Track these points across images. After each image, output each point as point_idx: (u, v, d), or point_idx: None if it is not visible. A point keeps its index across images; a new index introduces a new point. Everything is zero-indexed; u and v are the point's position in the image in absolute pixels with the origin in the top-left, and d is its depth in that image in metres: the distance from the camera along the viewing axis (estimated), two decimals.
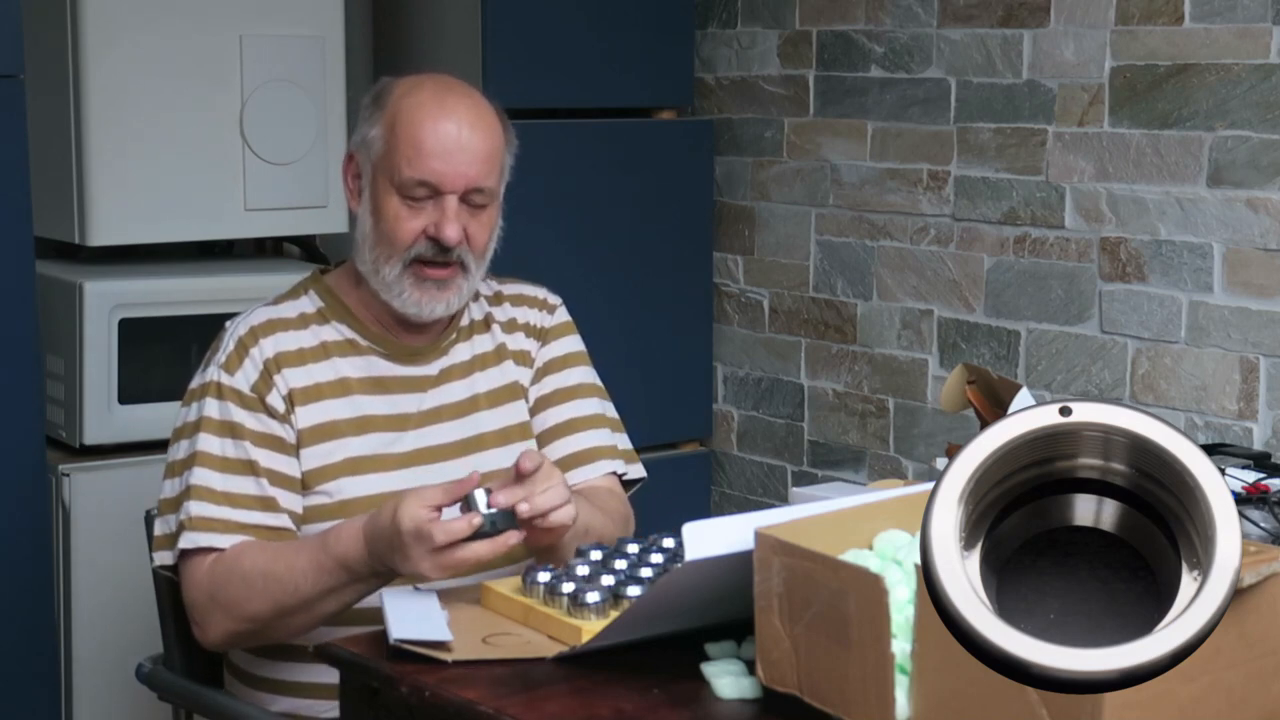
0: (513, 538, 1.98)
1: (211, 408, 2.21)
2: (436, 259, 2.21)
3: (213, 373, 2.23)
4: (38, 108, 2.91)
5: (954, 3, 3.46)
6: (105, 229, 3.10)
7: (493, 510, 1.97)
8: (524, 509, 1.98)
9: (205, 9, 3.16)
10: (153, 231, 3.18)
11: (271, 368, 2.22)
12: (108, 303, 3.06)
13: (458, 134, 2.20)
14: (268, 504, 2.18)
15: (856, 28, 3.65)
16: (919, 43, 3.53)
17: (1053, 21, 3.30)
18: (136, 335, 3.10)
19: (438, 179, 2.19)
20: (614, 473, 2.38)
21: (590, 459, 2.36)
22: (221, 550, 2.15)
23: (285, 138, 3.24)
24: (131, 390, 3.09)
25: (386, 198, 2.21)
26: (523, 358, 2.38)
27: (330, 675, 1.98)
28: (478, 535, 1.95)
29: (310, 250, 3.53)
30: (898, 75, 3.58)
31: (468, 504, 1.97)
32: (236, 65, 3.19)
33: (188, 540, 2.16)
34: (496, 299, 2.40)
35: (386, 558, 2.01)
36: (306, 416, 2.22)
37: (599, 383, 2.43)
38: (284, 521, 2.19)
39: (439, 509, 1.97)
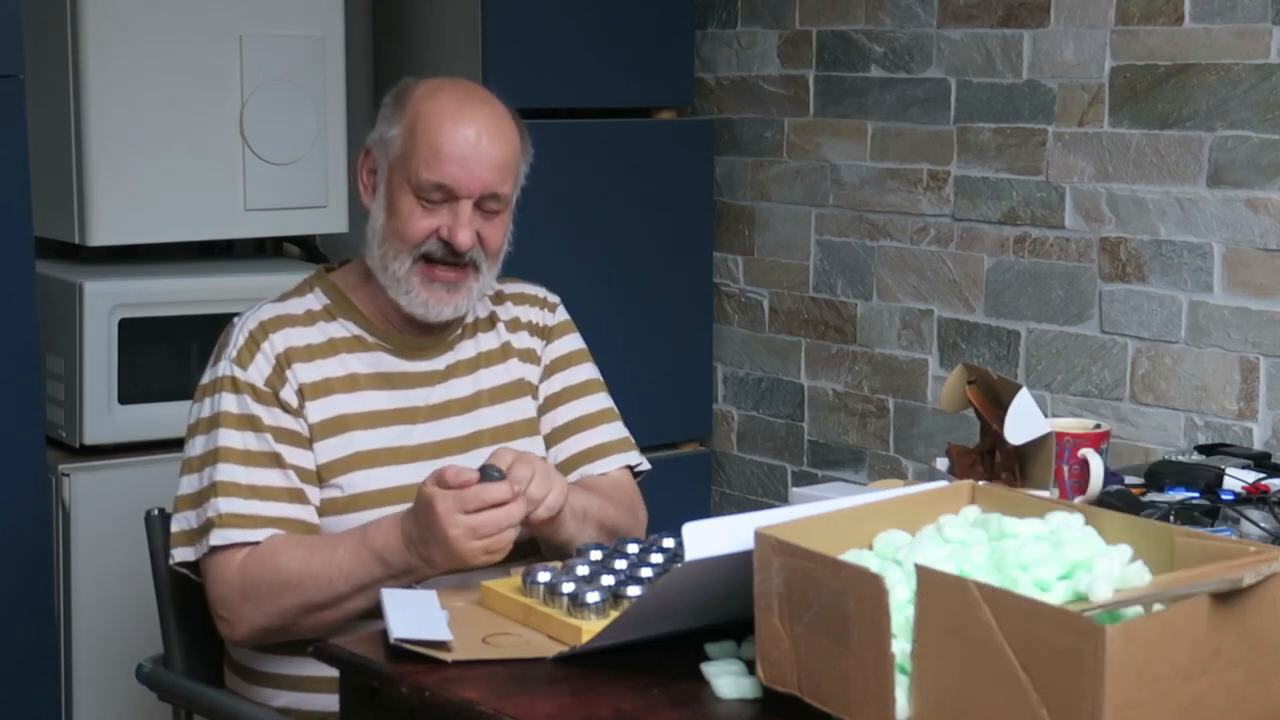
0: (518, 486, 2.04)
1: (229, 402, 2.21)
2: (446, 259, 2.23)
3: (225, 367, 2.23)
4: (38, 108, 2.91)
5: (954, 3, 3.46)
6: (105, 229, 3.10)
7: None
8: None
9: (205, 9, 3.16)
10: (153, 231, 3.18)
11: (283, 362, 2.23)
12: (108, 303, 3.06)
13: (476, 140, 2.22)
14: (295, 495, 2.19)
15: (856, 28, 3.65)
16: (919, 43, 3.53)
17: (1053, 21, 3.30)
18: (136, 335, 3.10)
19: (454, 183, 2.21)
20: (627, 466, 2.41)
21: (605, 453, 2.40)
22: (254, 544, 2.15)
23: (285, 138, 3.24)
24: (131, 390, 3.09)
25: (402, 196, 2.23)
26: (529, 355, 2.40)
27: (331, 669, 1.98)
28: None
29: (310, 250, 3.53)
30: (898, 75, 3.58)
31: (485, 476, 2.04)
32: (236, 65, 3.19)
33: (219, 537, 2.15)
34: (499, 298, 2.42)
35: (421, 544, 2.04)
36: (317, 411, 2.23)
37: (600, 377, 2.47)
38: (311, 515, 2.20)
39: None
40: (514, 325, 2.41)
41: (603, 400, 2.44)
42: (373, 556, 2.09)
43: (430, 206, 2.22)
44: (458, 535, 2.01)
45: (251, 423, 2.20)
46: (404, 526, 2.08)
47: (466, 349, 2.36)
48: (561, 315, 2.46)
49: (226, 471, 2.18)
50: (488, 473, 2.03)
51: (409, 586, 2.07)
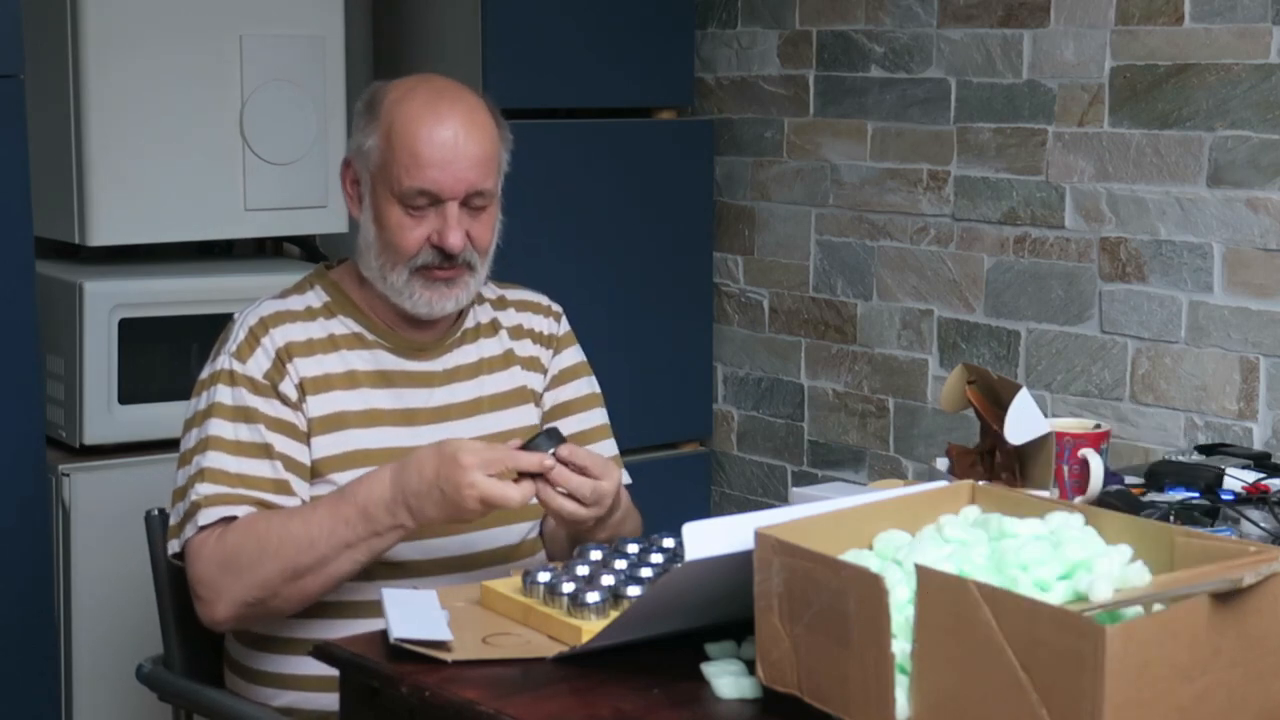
0: (547, 459, 2.05)
1: (223, 394, 2.21)
2: (442, 264, 2.23)
3: (224, 361, 2.24)
4: (38, 108, 2.91)
5: (954, 3, 3.46)
6: (105, 229, 3.10)
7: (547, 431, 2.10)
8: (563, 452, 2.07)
9: (205, 9, 3.16)
10: (153, 231, 3.18)
11: (283, 356, 2.23)
12: (108, 303, 3.06)
13: (454, 140, 2.21)
14: (280, 487, 2.18)
15: (856, 28, 3.65)
16: (919, 43, 3.53)
17: (1053, 21, 3.30)
18: (136, 335, 3.10)
19: (438, 188, 2.20)
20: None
21: None
22: (232, 519, 2.15)
23: (285, 138, 3.24)
24: (131, 390, 3.09)
25: (388, 207, 2.23)
26: (532, 363, 2.40)
27: (331, 669, 1.97)
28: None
29: (310, 250, 3.53)
30: (898, 75, 3.58)
31: (544, 436, 2.08)
32: (236, 65, 3.19)
33: (203, 517, 2.15)
34: (500, 303, 2.42)
35: (415, 496, 2.05)
36: (317, 406, 2.23)
37: (599, 391, 2.47)
38: (296, 506, 2.19)
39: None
40: (517, 332, 2.41)
41: (601, 416, 2.45)
42: (356, 511, 2.08)
43: (417, 213, 2.22)
44: (465, 476, 2.02)
45: (245, 414, 2.20)
46: (398, 480, 2.07)
47: (469, 353, 2.36)
48: (566, 325, 2.47)
49: (215, 459, 2.18)
50: (551, 434, 2.06)
51: (411, 588, 2.08)
